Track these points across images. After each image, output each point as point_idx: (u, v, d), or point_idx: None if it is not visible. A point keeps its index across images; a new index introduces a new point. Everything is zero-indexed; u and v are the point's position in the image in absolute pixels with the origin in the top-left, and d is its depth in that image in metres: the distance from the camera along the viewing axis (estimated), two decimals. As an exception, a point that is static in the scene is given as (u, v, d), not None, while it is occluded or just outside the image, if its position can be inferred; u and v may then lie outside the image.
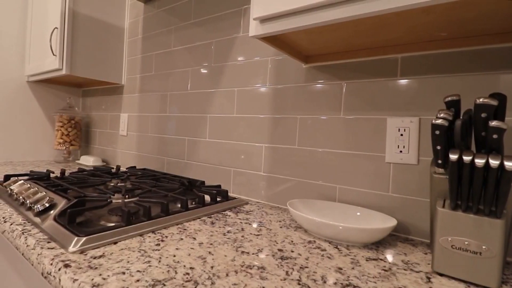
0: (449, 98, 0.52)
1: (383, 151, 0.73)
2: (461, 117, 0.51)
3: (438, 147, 0.49)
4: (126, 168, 1.23)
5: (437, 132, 0.48)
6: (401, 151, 0.69)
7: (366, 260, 0.55)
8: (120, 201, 0.77)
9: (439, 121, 0.48)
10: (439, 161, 0.51)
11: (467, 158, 0.45)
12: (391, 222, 0.62)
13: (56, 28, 1.23)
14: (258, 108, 0.96)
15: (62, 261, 0.47)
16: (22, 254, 0.55)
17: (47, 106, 1.61)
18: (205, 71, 1.12)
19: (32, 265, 0.51)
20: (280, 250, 0.57)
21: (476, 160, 0.44)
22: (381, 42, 0.69)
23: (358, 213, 0.69)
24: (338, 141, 0.80)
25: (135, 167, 1.24)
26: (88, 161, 1.48)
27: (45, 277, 0.47)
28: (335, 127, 0.80)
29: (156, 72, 1.31)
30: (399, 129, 0.70)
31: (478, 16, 0.52)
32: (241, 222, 0.73)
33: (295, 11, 0.56)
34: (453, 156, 0.46)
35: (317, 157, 0.83)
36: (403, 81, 0.70)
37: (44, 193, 0.70)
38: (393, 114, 0.71)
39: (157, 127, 1.30)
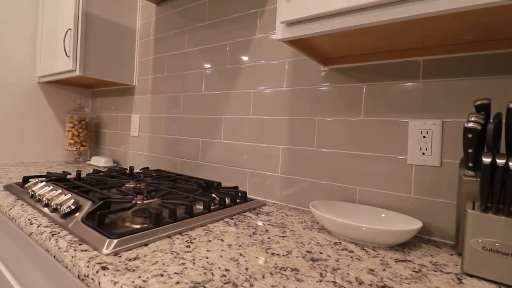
0: (479, 102, 0.52)
1: (404, 153, 0.73)
2: (491, 120, 0.51)
3: (470, 150, 0.50)
4: (140, 169, 1.24)
5: (470, 136, 0.49)
6: (423, 153, 0.70)
7: (395, 261, 0.56)
8: (140, 202, 0.78)
9: (471, 125, 0.48)
10: (470, 164, 0.51)
11: (500, 162, 0.46)
12: (417, 224, 0.62)
13: (69, 29, 1.23)
14: (275, 110, 0.97)
15: (99, 263, 0.48)
16: (54, 256, 0.55)
17: (57, 107, 1.61)
18: (220, 73, 1.12)
19: (66, 267, 0.51)
20: (308, 252, 0.58)
21: (511, 164, 0.45)
22: (403, 45, 0.69)
23: (383, 215, 0.70)
24: (358, 143, 0.80)
25: (148, 168, 1.24)
26: (100, 162, 1.48)
27: (82, 280, 0.47)
28: (355, 129, 0.81)
29: (168, 74, 1.31)
30: (421, 132, 0.70)
31: (509, 20, 0.52)
32: (263, 224, 0.73)
33: (325, 15, 0.56)
34: (486, 160, 0.47)
35: (336, 158, 0.84)
36: (425, 84, 0.71)
37: (70, 195, 0.70)
38: (415, 117, 0.72)
39: (169, 128, 1.30)
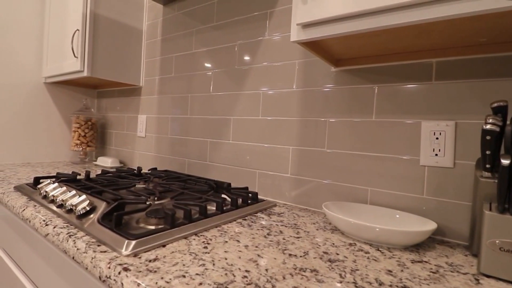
0: (496, 104, 0.52)
1: (417, 154, 0.73)
2: (508, 123, 0.52)
3: (488, 152, 0.50)
4: (148, 170, 1.24)
5: (488, 138, 0.49)
6: (436, 154, 0.70)
7: (412, 262, 0.56)
8: (152, 203, 0.78)
9: (490, 127, 0.49)
10: (487, 166, 0.52)
11: (520, 163, 0.46)
12: (431, 225, 0.63)
13: (77, 30, 1.23)
14: (285, 111, 0.97)
15: (120, 264, 0.48)
16: (73, 257, 0.55)
17: (63, 107, 1.61)
18: (229, 74, 1.12)
19: (86, 268, 0.52)
20: (325, 252, 0.58)
21: (530, 165, 0.45)
22: (417, 46, 0.70)
23: (397, 216, 0.70)
24: (370, 144, 0.81)
25: (156, 168, 1.25)
26: (106, 162, 1.48)
27: (104, 281, 0.48)
28: (367, 130, 0.81)
29: (176, 74, 1.32)
30: (434, 133, 0.71)
31: (525, 23, 0.53)
32: (276, 225, 0.73)
33: (342, 17, 0.56)
34: (505, 161, 0.47)
35: (347, 159, 0.84)
36: (438, 85, 0.71)
37: (85, 196, 0.70)
38: (428, 118, 0.72)
39: (177, 129, 1.30)
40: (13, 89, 1.43)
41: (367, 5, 0.54)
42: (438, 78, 0.71)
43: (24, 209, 0.76)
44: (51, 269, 0.68)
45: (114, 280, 0.46)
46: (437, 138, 0.70)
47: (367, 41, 0.68)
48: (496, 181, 0.51)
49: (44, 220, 0.68)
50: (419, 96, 0.74)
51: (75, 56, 1.24)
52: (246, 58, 1.07)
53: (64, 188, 0.78)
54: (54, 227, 0.63)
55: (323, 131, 0.89)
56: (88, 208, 0.67)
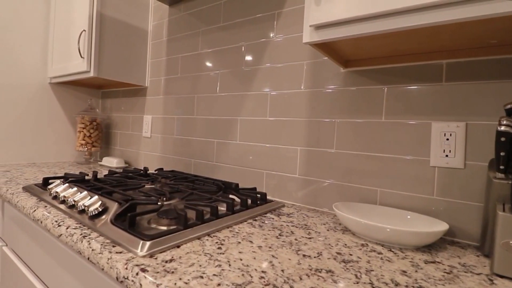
0: (510, 106, 0.53)
1: (427, 155, 0.74)
2: (521, 124, 0.52)
3: (502, 153, 0.51)
4: (155, 170, 1.24)
5: (503, 139, 0.49)
6: (447, 155, 0.71)
7: (425, 263, 0.56)
8: (162, 203, 0.78)
9: (504, 128, 0.49)
10: (501, 167, 0.52)
11: (535, 165, 0.46)
12: (443, 226, 0.63)
13: (84, 30, 1.23)
14: (293, 112, 0.97)
15: (137, 265, 0.48)
16: (88, 258, 0.55)
17: (68, 108, 1.61)
18: (235, 74, 1.13)
19: (102, 269, 0.52)
20: (338, 253, 0.58)
21: (546, 167, 0.45)
22: (427, 48, 0.70)
23: (409, 216, 0.71)
24: (379, 145, 0.81)
25: (162, 169, 1.25)
26: (111, 162, 1.49)
27: (121, 282, 0.48)
28: (376, 131, 0.81)
29: (182, 75, 1.32)
30: (444, 134, 0.71)
31: (538, 25, 0.53)
32: (287, 225, 0.74)
33: (355, 19, 0.57)
34: (520, 162, 0.47)
35: (356, 160, 0.85)
36: (449, 87, 0.71)
37: (97, 196, 0.70)
38: (438, 119, 0.73)
39: (183, 129, 1.30)
40: (19, 90, 1.43)
41: (381, 7, 0.54)
42: (448, 79, 0.71)
43: (35, 210, 0.76)
44: (63, 269, 0.68)
45: (132, 281, 0.46)
46: (447, 139, 0.70)
47: (377, 43, 0.69)
48: (510, 182, 0.51)
49: (56, 221, 0.68)
50: (429, 97, 0.74)
51: (81, 57, 1.24)
52: (254, 58, 1.07)
53: (75, 188, 0.78)
54: (67, 228, 0.64)
55: (332, 131, 0.89)
56: (100, 209, 0.67)
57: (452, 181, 0.71)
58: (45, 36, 1.49)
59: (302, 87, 0.96)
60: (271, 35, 1.03)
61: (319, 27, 0.62)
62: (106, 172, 1.33)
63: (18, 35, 1.41)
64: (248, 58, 1.09)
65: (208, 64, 1.21)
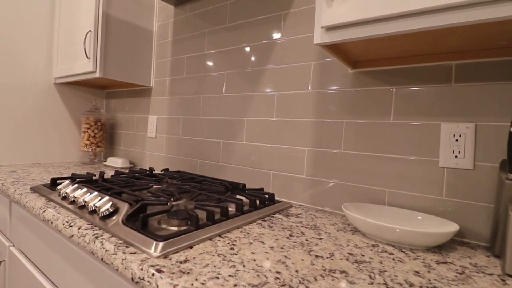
0: (522, 107, 0.53)
1: (436, 156, 0.74)
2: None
3: (515, 155, 0.51)
4: (161, 171, 1.24)
5: (516, 140, 0.49)
6: (456, 156, 0.71)
7: (437, 263, 0.56)
8: (170, 204, 0.78)
9: (517, 130, 0.49)
10: (514, 168, 0.52)
11: (548, 166, 0.47)
12: (454, 227, 0.63)
13: (89, 31, 1.23)
14: (300, 112, 0.97)
15: (152, 266, 0.48)
16: (101, 259, 0.56)
17: (72, 108, 1.61)
18: (242, 75, 1.13)
19: (117, 270, 0.52)
20: (350, 254, 0.58)
21: (559, 168, 0.46)
22: (437, 49, 0.70)
23: (419, 217, 0.71)
24: (387, 146, 0.81)
25: (168, 169, 1.25)
26: (116, 163, 1.49)
27: (137, 282, 0.48)
28: (384, 131, 0.82)
29: (187, 75, 1.32)
30: (454, 135, 0.71)
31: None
32: (296, 226, 0.74)
33: (367, 21, 0.57)
34: (534, 164, 0.47)
35: (364, 161, 0.85)
36: (458, 88, 0.72)
37: (108, 197, 0.71)
38: (447, 120, 0.73)
39: (189, 130, 1.31)
40: (23, 90, 1.43)
41: (394, 9, 0.54)
42: (458, 81, 0.72)
43: (44, 210, 0.76)
44: (73, 269, 0.68)
45: (148, 281, 0.46)
46: (456, 140, 0.71)
47: (387, 44, 0.69)
48: (522, 183, 0.51)
49: (67, 221, 0.68)
50: (438, 98, 0.74)
51: (87, 57, 1.24)
52: (260, 59, 1.08)
53: (85, 189, 0.79)
54: (79, 229, 0.64)
55: (340, 132, 0.89)
56: (111, 210, 0.68)
57: (461, 182, 0.71)
58: (49, 36, 1.49)
59: (309, 88, 0.96)
60: (278, 35, 1.03)
61: (330, 28, 0.62)
62: (111, 173, 1.33)
63: (23, 35, 1.41)
64: (255, 58, 1.09)
65: (214, 64, 1.22)
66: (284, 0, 1.02)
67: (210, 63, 1.23)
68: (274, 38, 1.04)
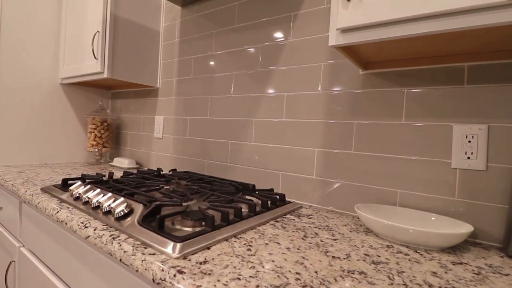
0: (538, 109, 0.53)
1: (448, 157, 0.74)
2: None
3: (532, 156, 0.51)
4: (169, 171, 1.25)
5: (534, 142, 0.50)
6: (468, 157, 0.71)
7: (452, 264, 0.57)
8: (185, 204, 0.79)
9: (535, 132, 0.50)
10: (531, 170, 0.53)
11: None
12: (468, 228, 0.64)
13: (97, 32, 1.23)
14: (310, 113, 0.98)
15: (173, 267, 0.49)
16: (120, 260, 0.56)
17: (78, 108, 1.61)
18: (250, 76, 1.13)
19: (137, 271, 0.52)
20: (366, 255, 0.59)
21: None
22: (450, 51, 0.71)
23: (433, 218, 0.71)
24: (399, 147, 0.82)
25: (176, 169, 1.25)
26: (123, 163, 1.49)
27: (158, 283, 0.49)
28: (396, 133, 0.82)
29: (195, 76, 1.32)
30: (466, 136, 0.72)
31: None
32: (309, 227, 0.74)
33: (383, 23, 0.57)
34: (552, 166, 0.48)
35: (375, 162, 0.85)
36: (470, 89, 0.72)
37: (122, 198, 0.71)
38: (459, 121, 0.73)
39: (196, 130, 1.31)
40: (30, 91, 1.43)
41: (409, 12, 0.54)
42: (470, 82, 0.72)
43: (58, 211, 0.76)
44: (87, 269, 0.69)
45: (170, 283, 0.47)
46: (469, 141, 0.71)
47: (400, 45, 0.69)
48: (539, 184, 0.52)
49: (82, 222, 0.68)
50: (450, 100, 0.75)
51: (95, 58, 1.24)
52: (269, 60, 1.08)
53: (98, 190, 0.79)
54: (95, 230, 0.64)
55: (350, 133, 0.90)
56: (126, 211, 0.68)
57: (473, 183, 0.71)
58: (56, 37, 1.49)
59: (319, 89, 0.96)
60: (287, 36, 1.03)
61: (346, 30, 0.62)
62: (119, 173, 1.33)
63: (30, 36, 1.41)
64: (264, 59, 1.09)
65: (222, 65, 1.22)
66: (293, 1, 1.02)
67: (218, 64, 1.24)
68: (283, 39, 1.04)
